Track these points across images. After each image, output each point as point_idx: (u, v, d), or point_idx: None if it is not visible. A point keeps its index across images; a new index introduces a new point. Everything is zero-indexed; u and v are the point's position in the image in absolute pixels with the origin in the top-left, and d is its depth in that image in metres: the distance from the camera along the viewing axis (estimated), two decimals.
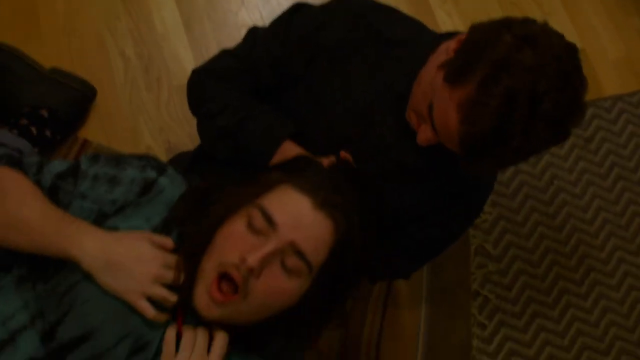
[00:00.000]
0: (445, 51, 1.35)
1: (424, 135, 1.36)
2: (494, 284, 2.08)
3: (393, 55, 1.51)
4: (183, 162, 1.73)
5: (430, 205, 1.55)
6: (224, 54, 1.59)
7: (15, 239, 1.23)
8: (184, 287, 1.20)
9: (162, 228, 1.28)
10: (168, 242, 1.23)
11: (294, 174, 1.23)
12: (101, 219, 1.27)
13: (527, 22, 1.28)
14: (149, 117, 2.06)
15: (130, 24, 2.15)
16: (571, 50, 1.25)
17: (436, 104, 1.30)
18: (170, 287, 1.21)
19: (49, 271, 1.25)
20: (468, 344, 1.96)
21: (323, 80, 1.53)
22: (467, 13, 2.49)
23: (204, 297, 1.16)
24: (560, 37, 1.25)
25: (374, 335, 1.74)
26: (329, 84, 1.53)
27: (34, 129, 1.86)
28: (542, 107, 1.19)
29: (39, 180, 1.30)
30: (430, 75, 1.33)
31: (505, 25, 1.27)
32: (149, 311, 1.18)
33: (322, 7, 1.55)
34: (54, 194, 1.29)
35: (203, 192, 1.28)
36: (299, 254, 1.15)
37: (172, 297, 1.19)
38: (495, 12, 2.51)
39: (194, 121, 2.07)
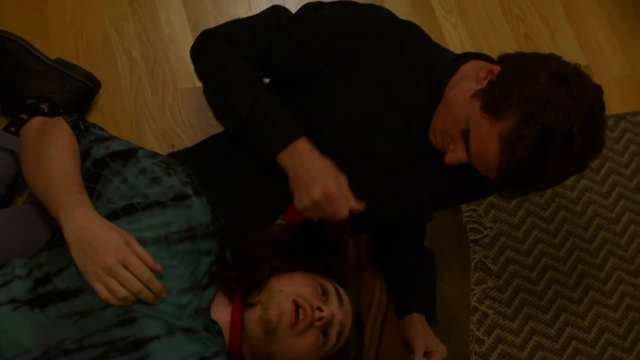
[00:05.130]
0: (474, 79, 1.40)
1: (455, 156, 1.44)
2: (493, 299, 2.08)
3: (411, 73, 1.53)
4: (183, 156, 1.73)
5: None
6: (240, 24, 1.59)
7: (40, 182, 1.37)
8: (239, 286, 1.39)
9: (176, 240, 1.37)
10: (145, 255, 1.31)
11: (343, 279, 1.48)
12: (129, 211, 1.36)
13: (560, 61, 1.39)
14: (153, 119, 2.05)
15: (138, 25, 2.14)
16: (599, 93, 1.37)
17: (474, 131, 1.38)
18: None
19: None
20: (465, 358, 1.96)
21: (335, 86, 1.55)
22: (473, 26, 2.49)
23: (279, 309, 1.33)
24: (589, 78, 1.37)
25: (372, 348, 1.74)
26: (340, 90, 1.55)
27: None
28: (574, 145, 1.32)
29: (90, 147, 1.43)
30: (463, 102, 1.40)
31: (542, 61, 1.37)
32: (103, 293, 1.27)
33: (351, 6, 1.57)
34: (101, 168, 1.40)
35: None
36: (340, 333, 1.39)
37: (116, 299, 1.27)
38: (500, 26, 2.51)
39: (198, 125, 2.08)
